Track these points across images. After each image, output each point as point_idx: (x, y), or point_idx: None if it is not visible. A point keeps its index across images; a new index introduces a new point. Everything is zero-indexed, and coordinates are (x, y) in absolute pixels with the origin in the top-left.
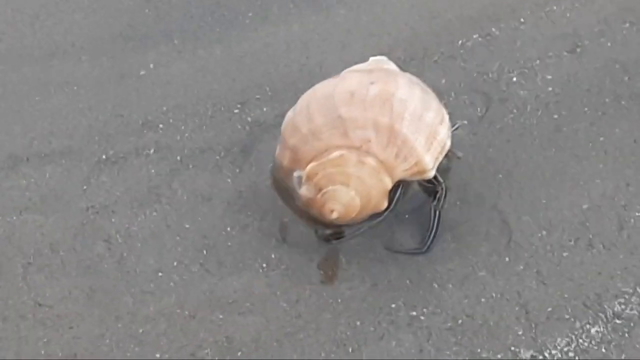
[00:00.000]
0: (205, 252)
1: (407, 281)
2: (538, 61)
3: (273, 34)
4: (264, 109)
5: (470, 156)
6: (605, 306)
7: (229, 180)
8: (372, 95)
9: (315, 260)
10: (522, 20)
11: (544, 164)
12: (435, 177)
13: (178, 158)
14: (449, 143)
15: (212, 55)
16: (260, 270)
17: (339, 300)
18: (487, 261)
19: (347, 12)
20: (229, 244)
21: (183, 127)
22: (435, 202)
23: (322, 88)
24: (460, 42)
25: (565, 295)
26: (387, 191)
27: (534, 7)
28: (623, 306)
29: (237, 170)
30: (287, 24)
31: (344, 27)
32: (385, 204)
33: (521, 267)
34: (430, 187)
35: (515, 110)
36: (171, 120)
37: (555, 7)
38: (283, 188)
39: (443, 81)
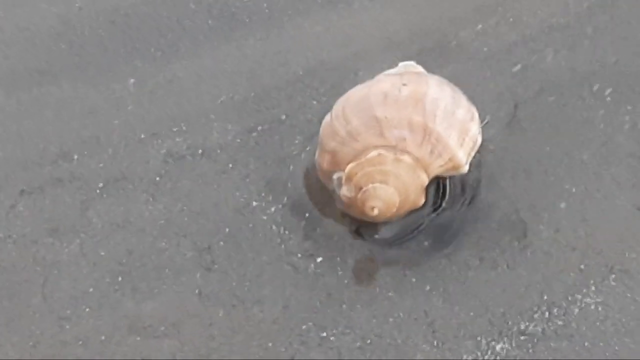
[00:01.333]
0: (120, 278)
1: (317, 303)
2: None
3: (185, 67)
4: (177, 140)
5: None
6: (510, 323)
7: (143, 208)
8: (405, 96)
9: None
10: None
11: None
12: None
13: (93, 187)
14: (480, 139)
15: (125, 88)
16: (175, 295)
17: (251, 323)
18: (394, 282)
19: (256, 42)
20: (144, 270)
21: (98, 157)
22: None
23: (356, 92)
24: None
25: (471, 314)
26: (424, 187)
27: None
28: (527, 323)
29: (151, 199)
30: (198, 57)
31: (254, 57)
32: (423, 200)
33: (428, 287)
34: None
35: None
36: (86, 152)
37: None
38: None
39: None
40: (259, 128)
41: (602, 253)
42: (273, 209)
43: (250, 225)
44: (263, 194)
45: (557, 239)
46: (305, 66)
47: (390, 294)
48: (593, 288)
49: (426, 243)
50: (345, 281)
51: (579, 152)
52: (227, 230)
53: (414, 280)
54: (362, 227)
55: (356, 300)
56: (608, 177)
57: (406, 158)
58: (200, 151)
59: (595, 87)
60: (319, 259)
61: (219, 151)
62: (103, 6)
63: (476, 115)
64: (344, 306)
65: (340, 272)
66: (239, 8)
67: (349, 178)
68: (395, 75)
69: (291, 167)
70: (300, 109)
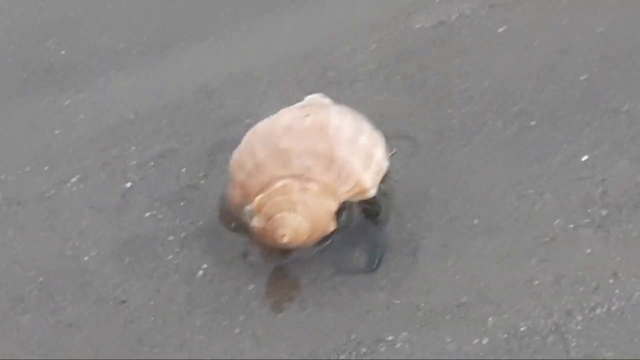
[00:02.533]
0: None
1: (127, 350)
2: None
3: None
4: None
5: None
6: None
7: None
8: (307, 126)
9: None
10: None
11: None
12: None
13: None
14: (386, 164)
15: None
16: None
17: None
18: (204, 326)
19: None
20: None
21: None
22: (377, 221)
23: (261, 126)
24: None
25: (281, 355)
26: (333, 213)
27: None
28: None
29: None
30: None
31: (67, 111)
32: (334, 226)
33: (237, 330)
34: (373, 209)
35: None
36: None
37: None
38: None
39: None
40: (72, 180)
41: (408, 292)
42: None
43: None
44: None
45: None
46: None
47: (200, 337)
48: (398, 325)
49: (245, 288)
50: (155, 323)
51: None
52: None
53: (224, 323)
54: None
55: (167, 345)
56: None
57: (312, 186)
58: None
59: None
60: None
61: (37, 201)
62: None
63: (381, 141)
64: (156, 350)
65: (151, 316)
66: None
67: (259, 209)
68: (298, 107)
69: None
70: (116, 159)
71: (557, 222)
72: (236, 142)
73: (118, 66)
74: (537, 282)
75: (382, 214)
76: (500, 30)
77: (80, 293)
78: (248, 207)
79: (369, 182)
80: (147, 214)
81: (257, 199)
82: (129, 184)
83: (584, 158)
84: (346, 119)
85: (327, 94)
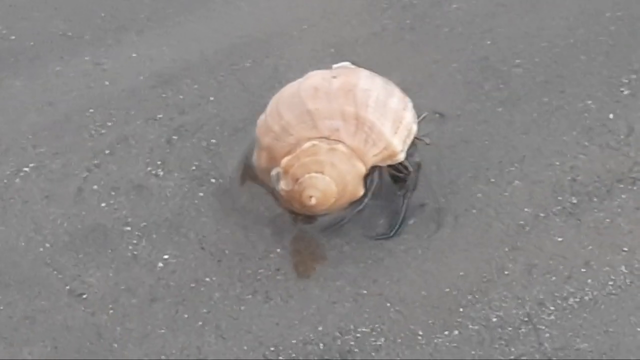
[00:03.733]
0: None
1: (87, 343)
2: None
3: None
4: None
5: None
6: (284, 356)
7: None
8: (335, 88)
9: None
10: None
11: None
12: (404, 166)
13: None
14: (415, 128)
15: None
16: None
17: None
18: (166, 318)
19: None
20: None
21: None
22: (404, 191)
23: (287, 89)
24: None
25: (245, 347)
26: (362, 177)
27: None
28: (308, 353)
29: None
30: None
31: (19, 97)
32: (362, 191)
33: (200, 323)
34: (400, 176)
35: None
36: None
37: None
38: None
39: None
40: (26, 169)
41: (376, 282)
42: None
43: None
44: None
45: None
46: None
47: (162, 330)
48: (367, 316)
49: (207, 279)
50: (114, 317)
51: None
52: None
53: (185, 316)
54: None
55: (128, 339)
56: None
57: (340, 147)
58: None
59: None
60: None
61: None
62: None
63: (410, 104)
64: (115, 345)
65: (110, 309)
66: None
67: (286, 171)
68: (325, 70)
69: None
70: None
71: (527, 210)
72: (194, 128)
73: (71, 52)
74: (507, 271)
75: (409, 179)
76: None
77: (35, 286)
78: (275, 170)
79: (398, 145)
80: (104, 204)
81: (285, 160)
82: (85, 173)
83: (553, 145)
84: (376, 82)
85: None
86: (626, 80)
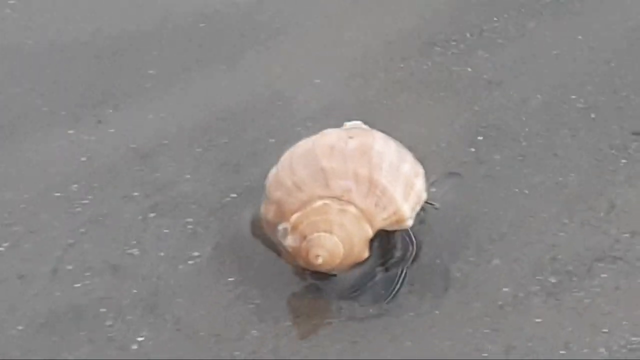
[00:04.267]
0: None
1: None
2: None
3: None
4: None
5: None
6: None
7: None
8: (351, 148)
9: None
10: None
11: None
12: (408, 235)
13: None
14: (425, 196)
15: None
16: None
17: None
18: None
19: None
20: None
21: None
22: (404, 259)
23: (302, 145)
24: None
25: None
26: (369, 240)
27: None
28: None
29: None
30: None
31: None
32: (367, 253)
33: None
34: (404, 243)
35: None
36: None
37: None
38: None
39: None
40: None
41: None
42: None
43: None
44: None
45: None
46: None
47: None
48: None
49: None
50: None
51: None
52: None
53: None
54: None
55: None
56: None
57: (351, 209)
58: None
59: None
60: None
61: None
62: None
63: (421, 171)
64: None
65: None
66: None
67: (295, 227)
68: (341, 129)
69: None
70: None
71: (506, 289)
72: (170, 206)
73: (47, 128)
74: (486, 353)
75: (410, 252)
76: None
77: None
78: (282, 226)
79: (407, 211)
80: (78, 284)
81: (294, 217)
82: (59, 252)
83: (533, 221)
84: (390, 145)
85: None
86: (607, 155)
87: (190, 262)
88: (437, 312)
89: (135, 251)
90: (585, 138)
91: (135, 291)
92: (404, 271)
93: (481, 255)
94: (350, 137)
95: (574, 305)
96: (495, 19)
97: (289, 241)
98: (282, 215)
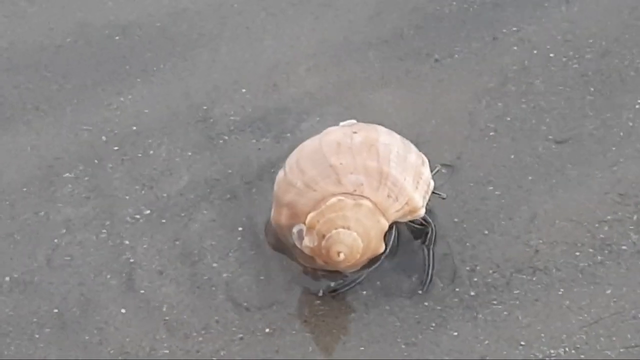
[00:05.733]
0: None
1: None
2: None
3: None
4: None
5: None
6: None
7: None
8: (357, 143)
9: None
10: None
11: None
12: (424, 218)
13: None
14: (432, 183)
15: None
16: None
17: None
18: None
19: None
20: None
21: None
22: (426, 242)
23: (308, 145)
24: None
25: None
26: (384, 232)
27: None
28: None
29: None
30: None
31: None
32: (383, 247)
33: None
34: (420, 229)
35: None
36: None
37: None
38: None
39: None
40: None
41: None
42: None
43: None
44: None
45: None
46: None
47: None
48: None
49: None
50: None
51: None
52: None
53: None
54: None
55: None
56: None
57: (366, 203)
58: None
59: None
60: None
61: None
62: None
63: (426, 160)
64: None
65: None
66: None
67: (311, 227)
68: (344, 126)
69: None
70: None
71: (425, 303)
72: (82, 223)
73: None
74: None
75: (430, 233)
76: None
77: None
78: (297, 227)
79: (419, 201)
80: None
81: (310, 216)
82: None
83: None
84: (395, 136)
85: None
86: (529, 164)
87: None
88: (355, 326)
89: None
90: (506, 147)
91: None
92: (431, 252)
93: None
94: (355, 132)
95: (492, 318)
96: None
97: (306, 242)
98: (296, 217)
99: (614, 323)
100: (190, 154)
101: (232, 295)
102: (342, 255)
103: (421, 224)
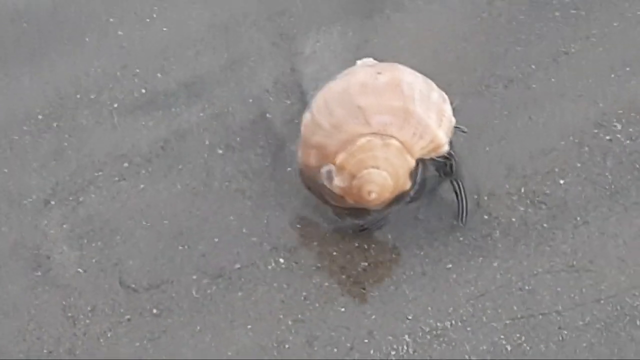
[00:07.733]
0: None
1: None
2: None
3: None
4: None
5: None
6: None
7: None
8: (382, 83)
9: None
10: None
11: None
12: (450, 154)
13: None
14: (454, 120)
15: None
16: None
17: None
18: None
19: None
20: None
21: None
22: (453, 174)
23: (334, 85)
24: None
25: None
26: (411, 170)
27: None
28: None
29: None
30: None
31: None
32: (410, 184)
33: None
34: (442, 162)
35: None
36: None
37: None
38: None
39: None
40: None
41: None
42: None
43: None
44: None
45: None
46: None
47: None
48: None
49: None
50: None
51: None
52: None
53: None
54: None
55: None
56: None
57: (393, 142)
58: None
59: None
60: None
61: None
62: None
63: (447, 98)
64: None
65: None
66: None
67: (342, 167)
68: (367, 66)
69: None
70: None
71: (313, 280)
72: None
73: None
74: (288, 345)
75: (455, 165)
76: None
77: None
78: (326, 168)
79: (443, 137)
80: None
81: (340, 157)
82: None
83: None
84: (417, 75)
85: None
86: None
87: None
88: (238, 305)
89: None
90: None
91: None
92: (460, 183)
93: None
94: (379, 73)
95: (379, 293)
96: None
97: (337, 182)
98: (325, 158)
99: (500, 295)
100: (73, 140)
101: (120, 277)
102: (373, 195)
103: (445, 157)
